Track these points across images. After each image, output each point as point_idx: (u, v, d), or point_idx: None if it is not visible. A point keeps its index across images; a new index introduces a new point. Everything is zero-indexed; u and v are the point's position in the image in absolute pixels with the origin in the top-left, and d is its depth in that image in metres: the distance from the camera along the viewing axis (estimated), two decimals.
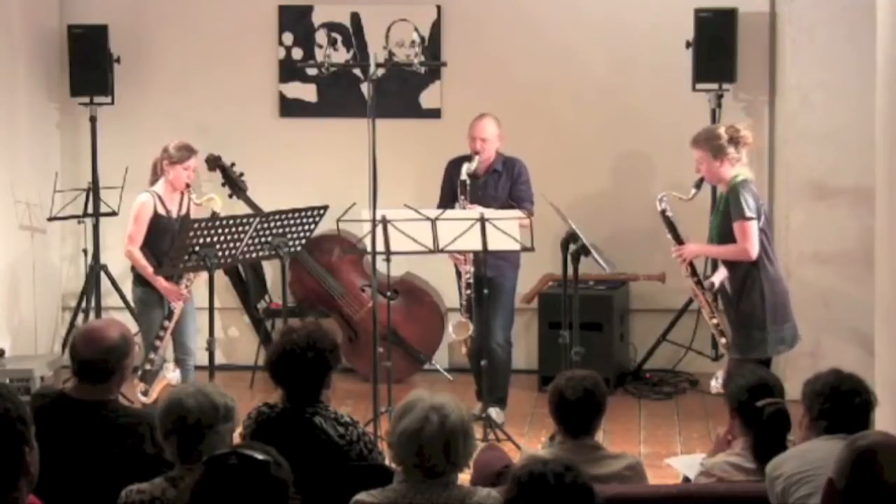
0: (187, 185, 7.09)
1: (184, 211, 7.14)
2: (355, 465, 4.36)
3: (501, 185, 7.55)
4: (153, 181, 7.15)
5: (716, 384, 6.47)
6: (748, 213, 6.21)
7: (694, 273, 6.56)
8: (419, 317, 8.69)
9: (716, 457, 4.55)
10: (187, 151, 7.06)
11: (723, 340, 6.52)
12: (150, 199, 7.07)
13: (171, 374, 6.77)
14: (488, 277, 7.27)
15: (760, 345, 6.30)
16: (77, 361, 4.31)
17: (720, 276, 6.47)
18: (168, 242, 7.01)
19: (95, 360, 4.27)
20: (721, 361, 8.39)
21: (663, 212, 6.59)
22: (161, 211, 7.07)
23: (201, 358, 7.14)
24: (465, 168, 7.38)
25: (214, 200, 7.08)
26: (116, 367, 4.31)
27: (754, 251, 6.23)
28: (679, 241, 6.58)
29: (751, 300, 6.29)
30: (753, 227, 6.23)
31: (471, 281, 7.41)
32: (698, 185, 6.59)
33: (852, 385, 4.11)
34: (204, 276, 6.77)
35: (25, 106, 8.67)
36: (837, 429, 3.97)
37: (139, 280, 7.14)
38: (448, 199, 7.55)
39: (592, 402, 4.43)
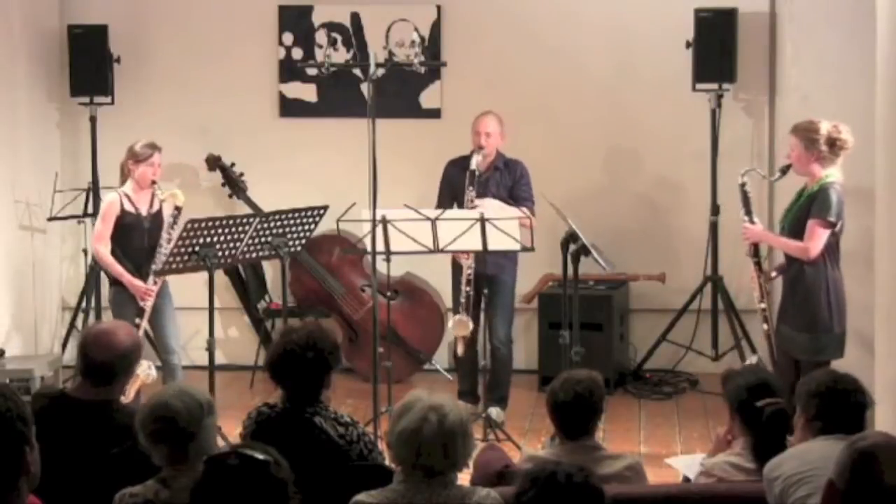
0: (153, 182, 7.11)
1: (155, 209, 7.16)
2: (355, 465, 4.36)
3: (503, 183, 7.55)
4: (122, 182, 7.20)
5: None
6: (830, 218, 6.18)
7: (756, 254, 6.53)
8: (419, 317, 8.69)
9: (716, 457, 4.55)
10: (150, 149, 7.12)
11: (764, 327, 6.48)
12: (116, 197, 7.14)
13: (147, 372, 6.72)
14: (489, 275, 7.27)
15: (827, 348, 6.22)
16: (86, 363, 4.33)
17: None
18: (137, 240, 7.06)
19: (105, 363, 4.29)
20: (722, 361, 8.46)
21: (742, 185, 6.51)
22: (129, 208, 7.10)
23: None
24: (474, 160, 7.37)
25: (176, 195, 7.09)
26: (123, 371, 4.34)
27: (814, 253, 6.19)
28: (750, 218, 6.53)
29: (816, 301, 6.22)
30: (825, 233, 6.20)
31: (472, 277, 7.39)
32: (784, 170, 6.51)
33: (847, 385, 4.09)
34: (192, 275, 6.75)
35: (25, 106, 8.66)
36: (833, 429, 3.96)
37: (111, 279, 7.19)
38: (447, 201, 7.54)
39: (585, 403, 4.42)
